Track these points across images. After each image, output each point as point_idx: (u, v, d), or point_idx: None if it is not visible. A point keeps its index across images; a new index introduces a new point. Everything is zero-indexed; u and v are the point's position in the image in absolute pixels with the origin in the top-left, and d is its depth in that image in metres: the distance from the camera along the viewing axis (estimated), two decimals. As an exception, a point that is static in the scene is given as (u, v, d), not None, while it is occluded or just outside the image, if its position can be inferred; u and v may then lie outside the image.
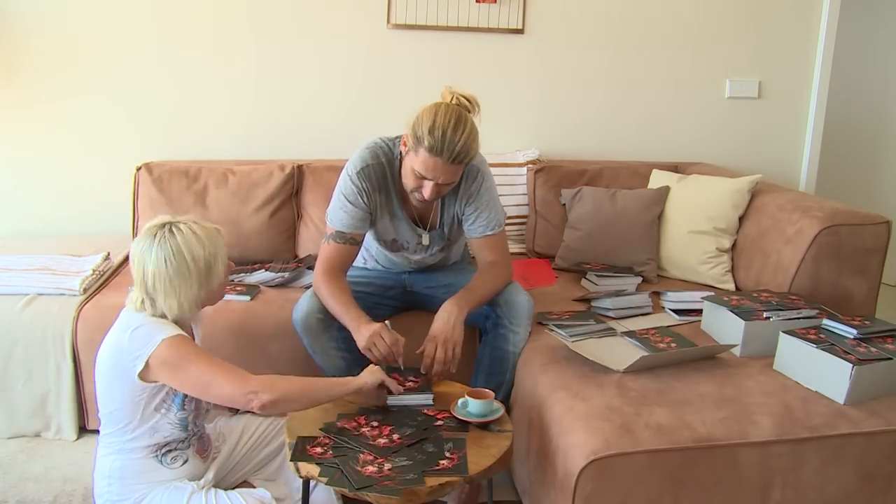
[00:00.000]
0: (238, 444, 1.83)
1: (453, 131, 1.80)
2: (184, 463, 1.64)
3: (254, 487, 1.72)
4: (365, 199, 2.01)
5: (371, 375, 1.67)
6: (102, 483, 1.62)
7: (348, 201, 2.01)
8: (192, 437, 1.67)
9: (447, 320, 1.91)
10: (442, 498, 1.88)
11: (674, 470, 1.58)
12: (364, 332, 1.85)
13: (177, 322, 1.59)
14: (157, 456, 1.62)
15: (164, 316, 1.57)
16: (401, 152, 1.98)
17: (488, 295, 2.04)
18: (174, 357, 1.50)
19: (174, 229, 1.55)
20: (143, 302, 1.56)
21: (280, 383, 1.54)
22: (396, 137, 2.04)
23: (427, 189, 1.89)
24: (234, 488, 1.68)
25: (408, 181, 1.95)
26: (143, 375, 1.51)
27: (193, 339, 1.73)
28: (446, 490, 1.47)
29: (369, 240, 2.19)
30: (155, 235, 1.54)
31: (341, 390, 1.63)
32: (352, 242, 2.05)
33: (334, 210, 2.04)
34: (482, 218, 2.07)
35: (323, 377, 1.86)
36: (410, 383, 1.82)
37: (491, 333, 2.09)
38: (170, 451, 1.62)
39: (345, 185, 2.02)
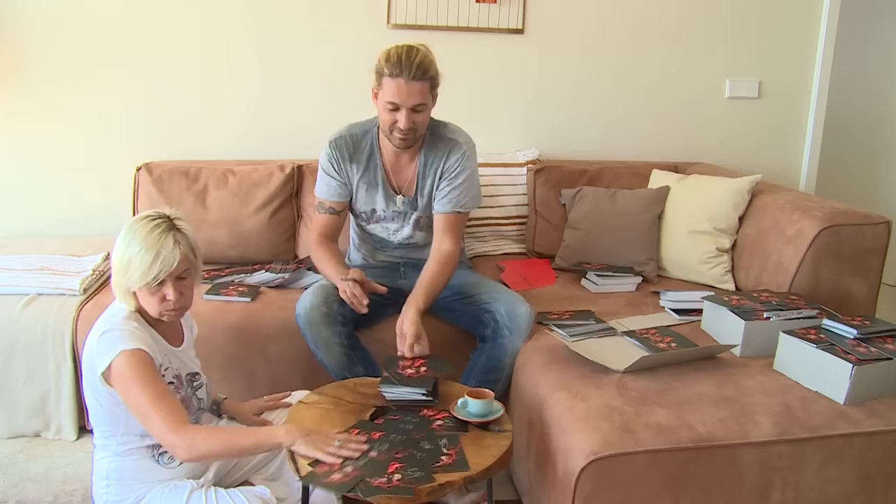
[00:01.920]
0: None
1: (407, 53, 1.97)
2: (181, 462, 1.64)
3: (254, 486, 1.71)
4: (336, 167, 2.19)
5: (288, 437, 1.52)
6: (100, 484, 1.62)
7: (324, 171, 2.22)
8: None
9: (413, 321, 1.96)
10: (443, 499, 1.89)
11: (674, 470, 1.58)
12: (342, 283, 2.02)
13: (151, 322, 1.61)
14: (153, 456, 1.62)
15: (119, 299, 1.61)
16: (378, 121, 2.13)
17: (441, 288, 2.12)
18: (126, 373, 1.50)
19: (149, 220, 1.58)
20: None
21: (202, 444, 1.50)
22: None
23: (401, 118, 2.02)
24: (234, 487, 1.68)
25: (384, 121, 2.08)
26: (106, 377, 1.53)
27: (182, 339, 1.73)
28: (446, 490, 1.47)
29: (353, 226, 2.33)
30: (148, 217, 1.60)
31: (268, 446, 1.56)
32: (332, 212, 2.23)
33: (318, 181, 2.25)
34: (452, 194, 2.17)
35: (325, 384, 1.86)
36: (422, 364, 1.87)
37: (489, 342, 2.10)
38: (166, 451, 1.62)
39: (322, 155, 2.22)
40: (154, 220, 1.57)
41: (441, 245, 2.17)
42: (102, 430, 1.62)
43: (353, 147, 2.19)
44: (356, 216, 2.30)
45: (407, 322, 1.95)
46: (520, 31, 3.09)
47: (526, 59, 3.12)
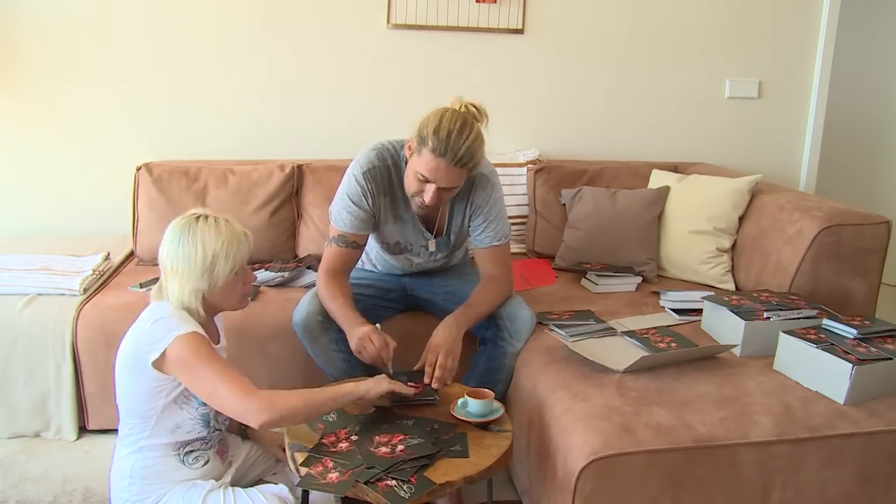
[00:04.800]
0: (254, 446, 1.84)
1: (458, 134, 1.80)
2: (205, 463, 1.64)
3: (271, 483, 1.71)
4: (369, 201, 2.01)
5: (376, 384, 1.64)
6: (122, 483, 1.61)
7: (352, 202, 2.00)
8: (214, 435, 1.66)
9: (449, 334, 1.90)
10: (441, 499, 1.88)
11: (674, 470, 1.58)
12: (355, 333, 1.85)
13: (198, 319, 1.59)
14: (178, 455, 1.61)
15: (181, 305, 1.57)
16: (405, 155, 1.97)
17: (487, 312, 2.05)
18: (187, 354, 1.49)
19: (202, 219, 1.57)
20: (160, 285, 1.60)
21: (280, 402, 1.51)
22: (402, 140, 2.04)
23: (428, 193, 1.88)
24: (252, 485, 1.68)
25: (410, 185, 1.93)
26: (158, 365, 1.51)
27: (219, 341, 1.72)
28: (446, 490, 1.47)
29: (371, 243, 2.18)
30: (186, 219, 1.58)
31: (345, 399, 1.61)
32: (354, 246, 2.05)
33: (337, 210, 2.04)
34: (490, 229, 2.07)
35: (324, 385, 1.85)
36: (412, 388, 1.82)
37: (490, 344, 2.10)
38: (192, 451, 1.62)
39: (349, 185, 2.02)
40: (208, 217, 1.58)
41: (488, 271, 2.10)
42: (132, 424, 1.59)
43: (386, 178, 2.01)
44: (378, 242, 2.16)
45: (440, 335, 1.88)
46: (520, 31, 3.09)
47: (526, 59, 3.12)
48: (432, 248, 2.12)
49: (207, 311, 1.61)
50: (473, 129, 1.84)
